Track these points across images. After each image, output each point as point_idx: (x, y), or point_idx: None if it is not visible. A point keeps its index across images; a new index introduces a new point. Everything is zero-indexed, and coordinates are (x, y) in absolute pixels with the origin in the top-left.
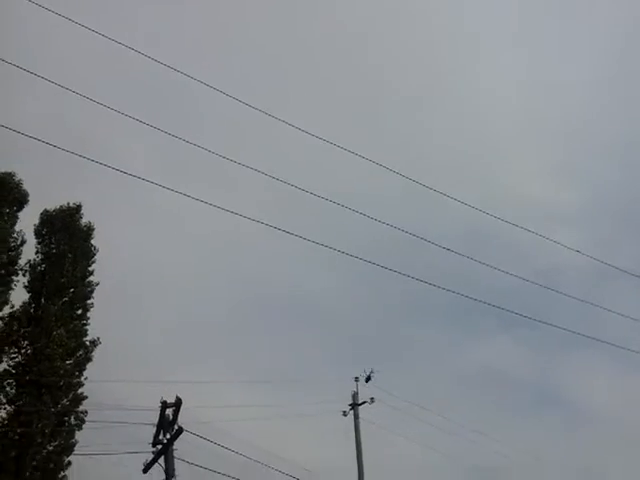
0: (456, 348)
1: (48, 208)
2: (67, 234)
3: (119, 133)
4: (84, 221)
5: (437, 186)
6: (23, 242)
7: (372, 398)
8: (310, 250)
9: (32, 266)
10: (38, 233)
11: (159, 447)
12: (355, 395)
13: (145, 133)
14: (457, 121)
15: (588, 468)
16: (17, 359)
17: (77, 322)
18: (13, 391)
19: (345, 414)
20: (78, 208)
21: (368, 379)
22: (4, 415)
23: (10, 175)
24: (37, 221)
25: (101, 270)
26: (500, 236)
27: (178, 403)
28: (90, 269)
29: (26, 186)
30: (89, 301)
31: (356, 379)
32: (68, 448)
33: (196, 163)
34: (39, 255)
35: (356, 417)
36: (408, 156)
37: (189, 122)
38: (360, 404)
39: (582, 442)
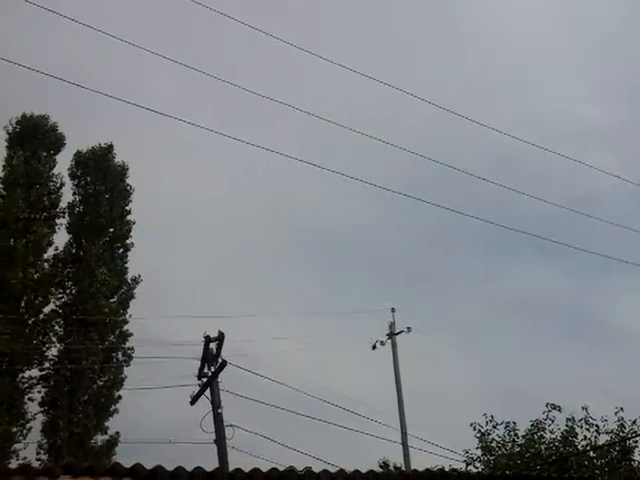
0: (492, 276)
1: (80, 149)
2: (101, 174)
3: (150, 71)
4: (118, 161)
5: (470, 111)
6: (62, 185)
7: (409, 327)
8: (346, 185)
9: (70, 207)
10: (73, 175)
11: (205, 380)
12: (392, 325)
13: (178, 70)
14: (489, 41)
15: (610, 388)
16: (63, 299)
17: (118, 261)
18: (62, 330)
19: (383, 343)
20: (110, 148)
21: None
22: (55, 353)
23: (44, 118)
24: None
25: (138, 209)
26: (536, 161)
27: (221, 337)
28: (127, 208)
29: (62, 129)
30: (128, 240)
31: (392, 309)
32: (118, 383)
33: (231, 100)
34: (76, 197)
35: (394, 346)
36: (440, 81)
37: (223, 59)
38: (397, 333)
39: (618, 365)
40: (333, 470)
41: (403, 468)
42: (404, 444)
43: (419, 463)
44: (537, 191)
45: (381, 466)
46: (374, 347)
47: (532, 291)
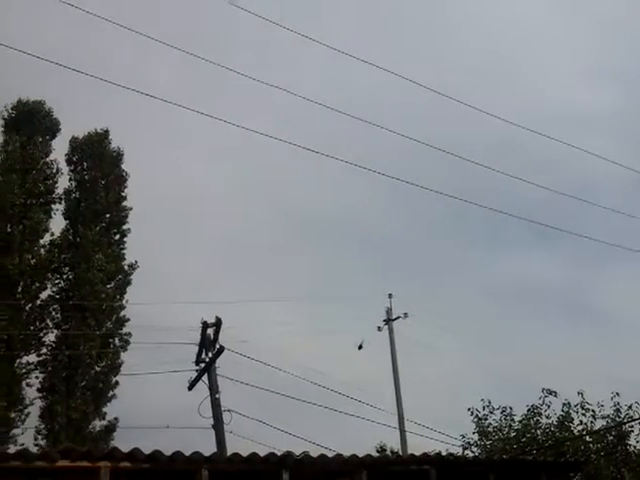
0: (490, 261)
1: (76, 135)
2: (97, 160)
3: (143, 56)
4: (113, 146)
5: (467, 95)
6: (58, 170)
7: (405, 313)
8: (344, 170)
9: (67, 193)
10: (69, 160)
11: (202, 365)
12: (389, 311)
13: (171, 55)
14: (486, 25)
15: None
16: (60, 285)
17: (114, 247)
18: (59, 316)
19: (380, 329)
20: (106, 134)
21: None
22: (52, 338)
23: (40, 103)
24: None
25: (136, 195)
26: (534, 147)
27: (218, 323)
28: (123, 194)
29: (58, 115)
30: (124, 226)
31: (390, 295)
32: (115, 368)
33: (226, 85)
34: (72, 182)
35: (390, 332)
36: (436, 64)
37: (217, 43)
38: (394, 319)
39: (615, 351)
40: (330, 455)
41: (400, 453)
42: (401, 429)
43: (416, 448)
44: (536, 177)
45: (378, 451)
46: (360, 347)
47: (530, 277)
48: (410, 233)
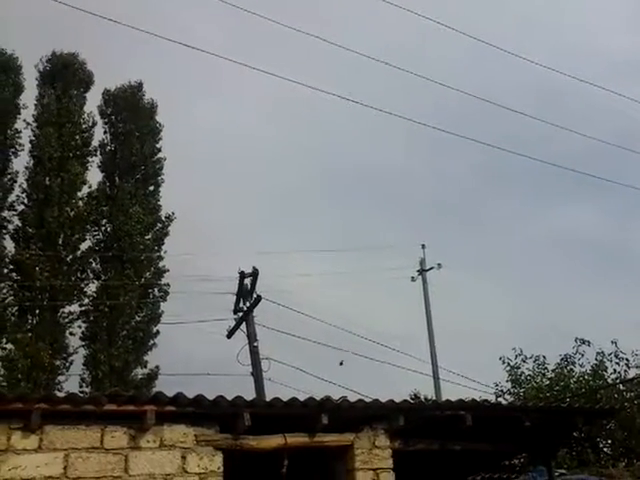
0: (529, 213)
1: (108, 88)
2: (131, 113)
3: (183, 6)
4: (147, 99)
5: (508, 42)
6: (94, 123)
7: (439, 264)
8: (379, 121)
9: (102, 146)
10: (103, 113)
11: (240, 314)
12: (422, 261)
13: (209, 4)
14: None
15: None
16: (99, 236)
17: (151, 199)
18: (99, 267)
19: (413, 279)
20: (140, 86)
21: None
22: (93, 289)
23: (73, 56)
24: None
25: (173, 147)
26: (578, 95)
27: (255, 273)
28: (157, 146)
29: (91, 67)
30: (160, 177)
31: (423, 246)
32: (155, 318)
33: (261, 35)
34: (107, 135)
35: (424, 282)
36: (474, 11)
37: None
38: (428, 270)
39: None
40: (367, 400)
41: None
42: (435, 376)
43: (449, 396)
44: (578, 126)
45: (412, 398)
46: (341, 364)
47: (569, 227)
48: (449, 184)
